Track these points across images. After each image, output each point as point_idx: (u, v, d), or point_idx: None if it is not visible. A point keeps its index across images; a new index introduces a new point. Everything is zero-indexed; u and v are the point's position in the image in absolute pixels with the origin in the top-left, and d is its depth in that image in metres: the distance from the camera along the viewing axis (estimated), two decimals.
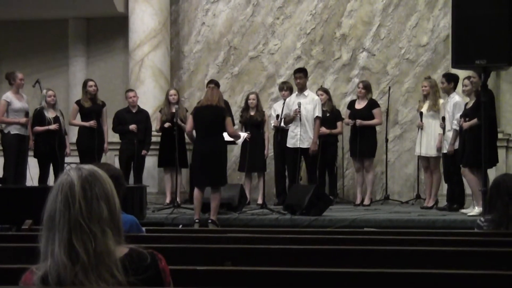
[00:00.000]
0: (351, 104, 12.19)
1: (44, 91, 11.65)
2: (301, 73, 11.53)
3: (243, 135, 11.33)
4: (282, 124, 11.27)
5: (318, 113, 11.36)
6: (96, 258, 2.40)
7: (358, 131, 11.81)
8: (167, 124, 11.92)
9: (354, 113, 11.93)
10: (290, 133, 11.41)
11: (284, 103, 11.39)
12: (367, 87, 12.04)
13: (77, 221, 2.41)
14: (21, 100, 11.41)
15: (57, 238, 2.40)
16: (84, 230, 2.40)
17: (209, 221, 9.71)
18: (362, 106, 11.97)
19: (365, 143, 11.82)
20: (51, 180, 11.47)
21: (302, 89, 11.46)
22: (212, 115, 9.73)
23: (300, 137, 11.24)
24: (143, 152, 12.02)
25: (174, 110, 11.79)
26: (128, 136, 11.96)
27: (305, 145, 11.27)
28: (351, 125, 11.95)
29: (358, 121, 11.77)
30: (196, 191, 9.89)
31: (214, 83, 11.94)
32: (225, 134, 10.02)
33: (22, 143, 11.26)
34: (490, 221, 5.28)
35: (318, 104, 11.43)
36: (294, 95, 11.57)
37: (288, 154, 11.48)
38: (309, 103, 11.34)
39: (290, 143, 11.38)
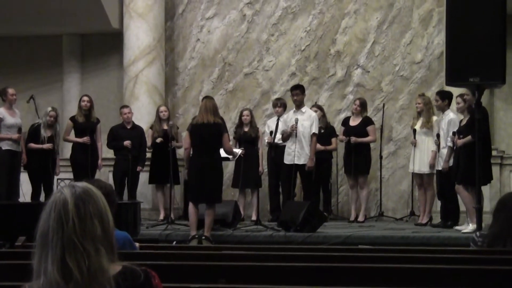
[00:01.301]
0: (346, 121, 12.21)
1: (49, 108, 11.63)
2: (298, 89, 11.52)
3: (237, 151, 11.32)
4: (277, 140, 11.26)
5: (315, 129, 11.34)
6: (89, 276, 2.38)
7: (352, 148, 11.83)
8: (159, 139, 11.91)
9: (349, 130, 11.95)
10: (287, 150, 11.36)
11: (278, 119, 11.39)
12: (363, 105, 12.07)
13: (71, 239, 2.39)
14: (14, 116, 11.39)
15: (50, 256, 2.39)
16: (78, 248, 2.39)
17: (203, 237, 9.69)
18: (357, 123, 11.99)
19: (359, 160, 11.84)
20: (42, 197, 11.45)
21: (299, 105, 11.43)
22: (210, 132, 9.72)
23: (296, 153, 11.23)
24: (138, 168, 12.01)
25: (165, 127, 11.81)
26: (123, 152, 11.95)
27: (301, 161, 11.24)
28: (345, 142, 11.97)
29: (353, 139, 11.79)
30: (191, 207, 9.86)
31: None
32: (221, 151, 10.02)
33: (14, 159, 11.24)
34: (485, 236, 5.26)
35: (315, 121, 11.40)
36: (291, 111, 11.55)
37: (283, 171, 11.44)
38: (306, 120, 11.32)
39: (287, 159, 11.34)
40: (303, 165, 11.21)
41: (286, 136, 11.29)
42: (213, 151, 9.84)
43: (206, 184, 9.76)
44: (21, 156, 11.36)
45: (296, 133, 11.19)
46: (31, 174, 11.51)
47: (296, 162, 11.17)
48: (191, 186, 10.11)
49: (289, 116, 11.44)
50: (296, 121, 11.19)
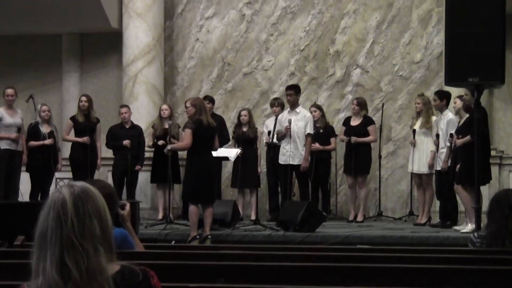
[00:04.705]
0: (347, 121, 12.20)
1: (39, 106, 11.68)
2: (292, 90, 11.54)
3: (236, 151, 11.31)
4: (275, 140, 11.26)
5: (310, 130, 11.35)
6: (88, 276, 2.38)
7: (353, 148, 11.82)
8: (160, 142, 11.83)
9: (349, 130, 11.93)
10: (281, 150, 11.40)
11: (276, 119, 11.39)
12: (361, 104, 12.05)
13: (69, 239, 2.39)
14: (14, 116, 11.40)
15: (49, 256, 2.39)
16: (76, 247, 2.39)
17: (209, 237, 9.68)
18: (357, 123, 11.98)
19: (359, 160, 11.83)
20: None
21: (293, 105, 11.47)
22: (212, 134, 9.78)
23: (291, 153, 11.24)
24: (137, 167, 12.01)
25: (167, 126, 11.80)
26: (122, 151, 11.95)
27: (295, 161, 11.26)
28: (346, 142, 11.96)
29: (353, 138, 11.77)
30: (193, 208, 9.74)
31: (208, 99, 11.95)
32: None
33: (13, 159, 11.23)
34: (483, 237, 5.25)
35: (310, 121, 11.41)
36: (286, 111, 11.58)
37: (280, 171, 11.48)
38: (300, 120, 11.34)
39: (282, 159, 11.39)
40: (298, 165, 11.24)
41: (280, 137, 11.31)
42: (211, 152, 9.88)
43: (210, 184, 9.83)
44: (21, 156, 11.36)
45: (290, 134, 11.21)
46: (33, 173, 11.48)
47: (290, 162, 11.21)
48: (193, 187, 9.81)
49: (284, 116, 11.44)
50: (290, 121, 11.21)
